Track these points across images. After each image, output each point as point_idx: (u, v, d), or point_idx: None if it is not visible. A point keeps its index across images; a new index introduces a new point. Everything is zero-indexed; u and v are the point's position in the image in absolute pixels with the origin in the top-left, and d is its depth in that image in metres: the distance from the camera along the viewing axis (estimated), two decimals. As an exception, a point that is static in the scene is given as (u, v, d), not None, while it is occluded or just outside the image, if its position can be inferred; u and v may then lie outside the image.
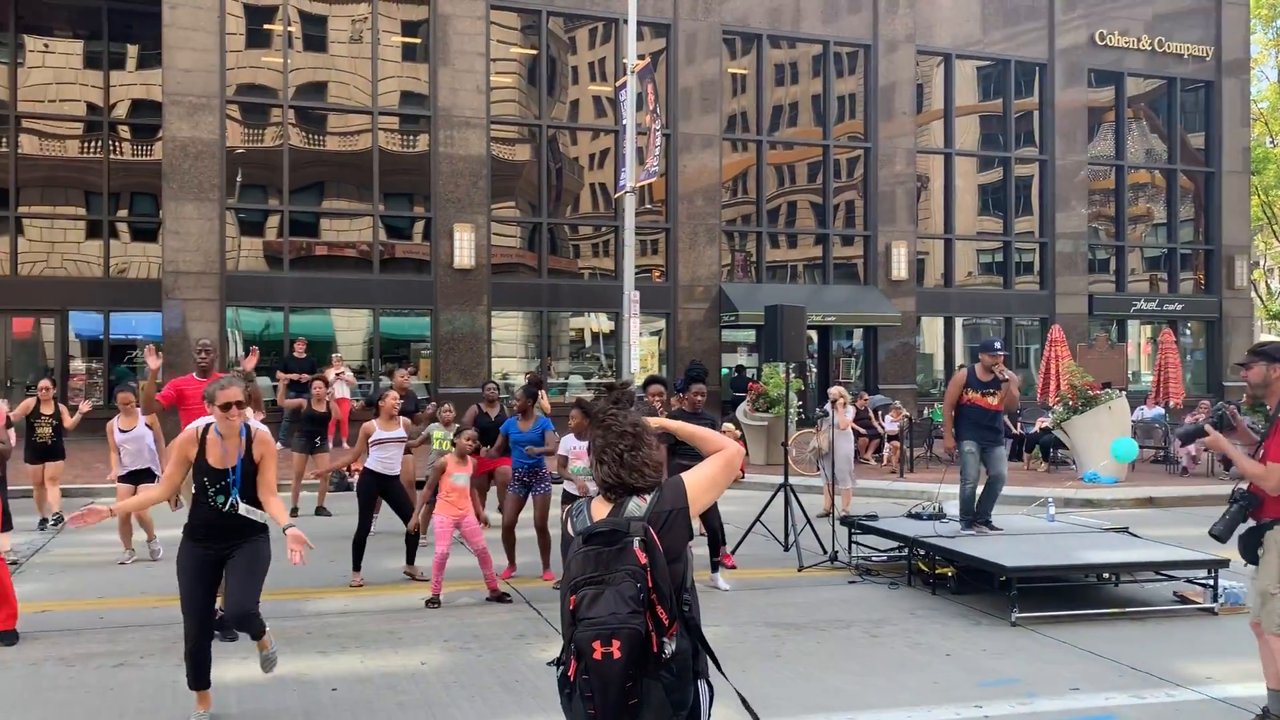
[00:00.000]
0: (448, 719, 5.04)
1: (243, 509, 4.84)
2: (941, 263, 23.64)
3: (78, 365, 19.89)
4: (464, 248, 19.31)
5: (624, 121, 15.43)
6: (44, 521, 10.40)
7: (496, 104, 20.14)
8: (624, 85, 15.35)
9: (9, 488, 9.51)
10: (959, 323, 23.96)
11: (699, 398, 8.43)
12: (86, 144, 19.89)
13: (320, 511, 11.54)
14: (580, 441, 7.85)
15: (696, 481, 2.94)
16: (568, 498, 7.86)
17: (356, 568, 8.08)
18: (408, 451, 8.78)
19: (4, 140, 19.39)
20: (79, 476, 12.98)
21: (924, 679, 5.80)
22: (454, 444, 7.93)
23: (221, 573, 4.97)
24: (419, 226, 20.21)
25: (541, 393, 9.09)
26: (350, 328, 20.29)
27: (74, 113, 19.80)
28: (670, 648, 2.68)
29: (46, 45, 19.67)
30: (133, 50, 20.10)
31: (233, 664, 5.77)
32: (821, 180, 22.35)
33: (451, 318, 19.45)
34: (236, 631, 5.08)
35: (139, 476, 8.78)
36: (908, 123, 22.52)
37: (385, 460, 8.33)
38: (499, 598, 7.54)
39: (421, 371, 20.09)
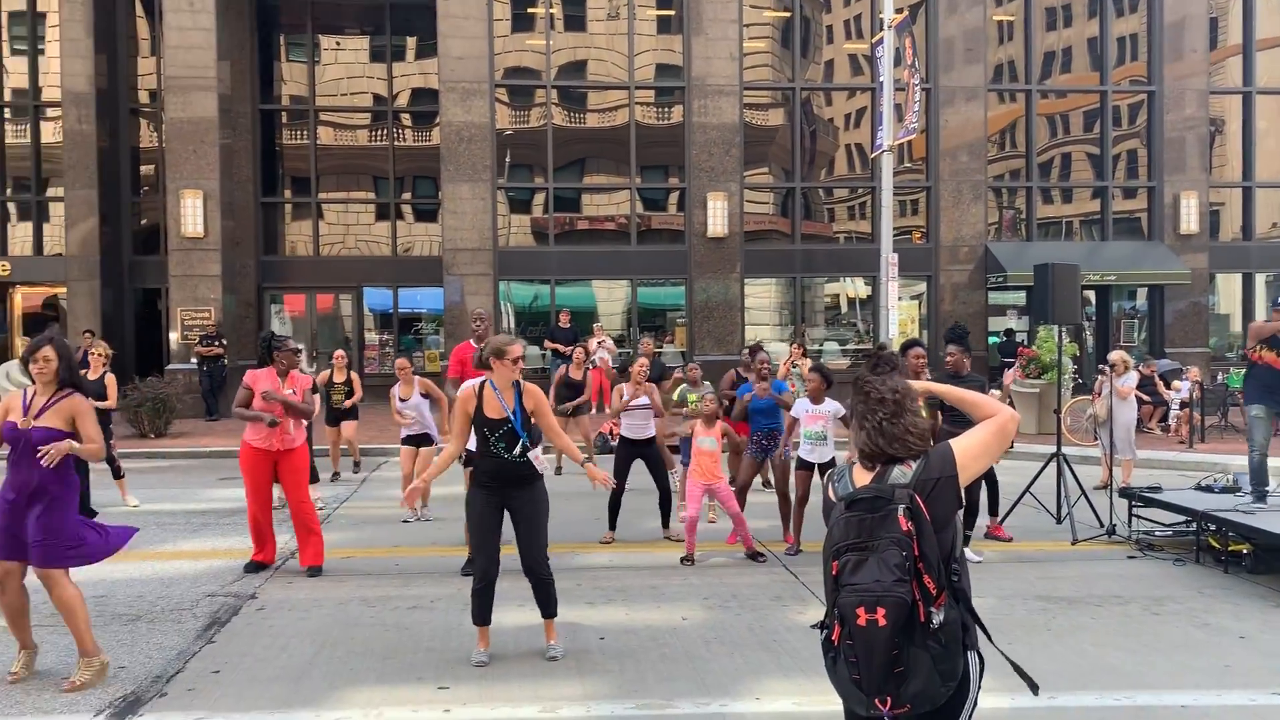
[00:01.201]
0: (708, 673, 5.18)
1: (531, 454, 5.27)
2: (1239, 214, 21.42)
3: (371, 337, 21.74)
4: (717, 216, 19.46)
5: (881, 79, 15.00)
6: (335, 475, 11.61)
7: (749, 70, 20.10)
8: (881, 41, 14.90)
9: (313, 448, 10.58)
10: (1260, 280, 21.66)
11: (918, 360, 7.98)
12: (374, 132, 21.59)
13: (556, 471, 12.08)
14: (814, 405, 7.79)
15: (967, 448, 2.84)
16: (801, 464, 7.84)
17: (611, 526, 8.43)
18: (658, 415, 8.99)
19: (305, 132, 21.40)
20: (374, 439, 14.24)
21: (1213, 661, 5.37)
22: (701, 409, 8.09)
23: (502, 515, 5.39)
24: (673, 197, 20.56)
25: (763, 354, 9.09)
26: (610, 298, 20.99)
27: (362, 104, 21.53)
28: (938, 618, 2.62)
29: (338, 43, 21.48)
30: (411, 42, 21.56)
31: (511, 610, 6.18)
32: (1099, 129, 20.78)
33: (705, 286, 19.70)
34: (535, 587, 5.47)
35: (418, 440, 9.54)
36: (1198, 61, 20.48)
37: (635, 426, 8.59)
38: (754, 556, 7.68)
39: (677, 339, 20.51)
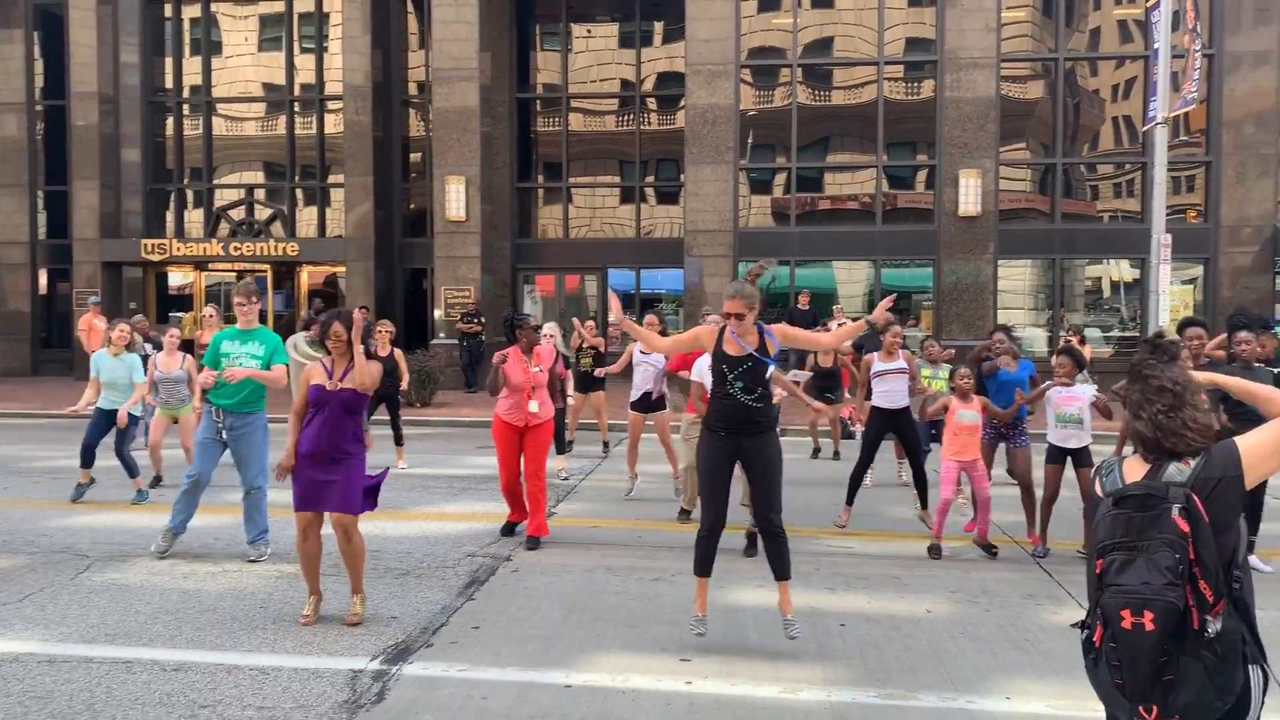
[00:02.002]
0: (954, 667, 5.04)
1: (792, 373, 5.29)
2: None
3: (613, 317, 22.36)
4: (969, 194, 18.65)
5: (1155, 45, 13.87)
6: (570, 444, 11.89)
7: (1007, 41, 19.11)
8: (1156, 5, 13.77)
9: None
10: None
11: (1196, 343, 7.25)
12: (621, 118, 22.15)
13: (837, 456, 11.91)
14: (1064, 387, 7.33)
15: (1253, 446, 2.59)
16: (1053, 454, 7.37)
17: (848, 502, 8.26)
18: (913, 379, 8.65)
19: (557, 119, 22.25)
20: (617, 415, 14.66)
21: None
22: (951, 386, 7.74)
23: (734, 465, 5.31)
24: (921, 175, 19.90)
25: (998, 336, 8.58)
26: (851, 279, 20.62)
27: (610, 90, 22.12)
28: (1214, 626, 2.43)
29: (589, 31, 22.14)
30: (659, 27, 21.92)
31: (751, 589, 6.25)
32: None
33: (955, 268, 18.95)
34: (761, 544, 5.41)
35: (646, 404, 9.49)
36: None
37: (889, 394, 8.28)
38: (987, 548, 7.36)
39: (923, 323, 19.88)
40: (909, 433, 8.31)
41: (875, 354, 8.50)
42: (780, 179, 20.45)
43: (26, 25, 23.25)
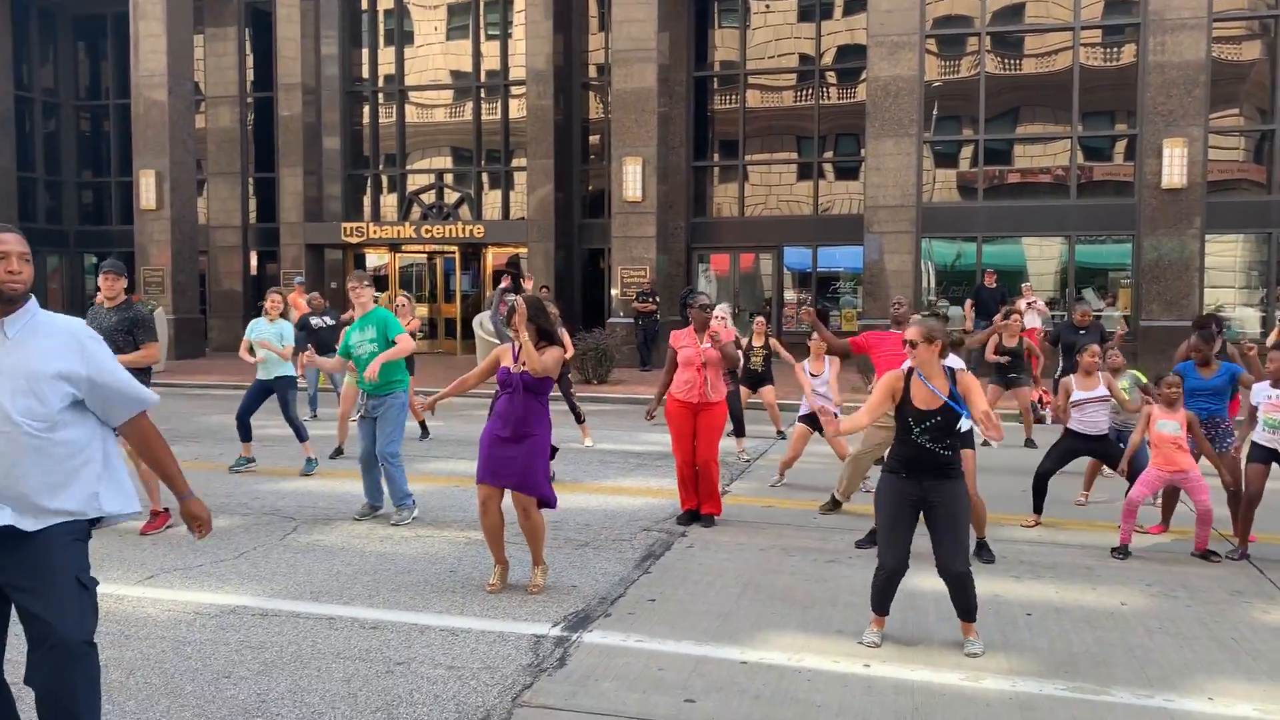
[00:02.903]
0: (1149, 663, 4.78)
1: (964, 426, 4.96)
2: None
3: (789, 296, 22.19)
4: (1174, 165, 17.46)
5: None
6: (780, 433, 11.85)
7: (1220, -2, 17.76)
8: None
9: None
10: None
11: None
12: (799, 93, 21.85)
13: (1028, 444, 11.43)
14: (1276, 389, 6.73)
15: None
16: (1257, 453, 6.76)
17: (1036, 509, 7.62)
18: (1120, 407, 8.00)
19: (734, 97, 22.15)
20: (787, 395, 14.55)
21: None
22: (1150, 393, 7.22)
23: (919, 512, 5.00)
24: (1120, 146, 18.79)
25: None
26: (1042, 256, 19.72)
27: (789, 65, 21.84)
28: None
29: (767, 6, 21.89)
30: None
31: (930, 575, 6.09)
32: None
33: (1156, 243, 17.80)
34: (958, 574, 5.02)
35: (815, 419, 8.95)
36: None
37: (1090, 424, 7.48)
38: (1206, 555, 6.73)
39: (1120, 301, 18.82)
40: (1112, 454, 7.52)
41: (1072, 378, 7.67)
42: (966, 152, 19.73)
43: (239, 23, 24.92)
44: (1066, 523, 7.74)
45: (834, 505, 8.03)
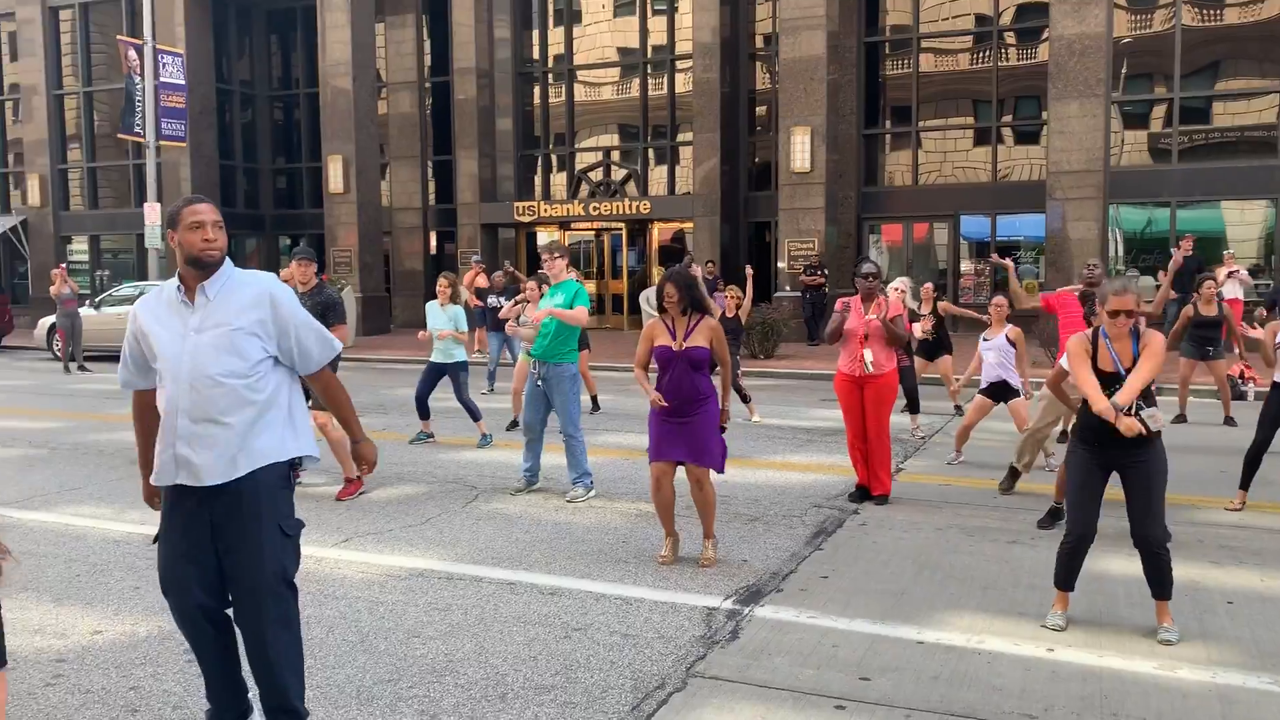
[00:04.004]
0: (1371, 662, 4.43)
1: (1144, 413, 4.70)
2: None
3: (966, 267, 21.44)
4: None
5: None
6: (958, 408, 11.49)
7: None
8: None
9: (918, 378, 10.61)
10: None
11: None
12: (975, 55, 21.00)
13: (1228, 422, 10.73)
14: None
15: None
16: None
17: (1244, 486, 7.15)
18: None
19: (907, 61, 21.49)
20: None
21: None
22: None
23: (1108, 475, 4.83)
24: (1339, 98, 17.23)
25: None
26: (1243, 221, 18.39)
27: (964, 27, 21.01)
28: None
29: (942, -33, 21.10)
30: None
31: (1120, 559, 5.83)
32: None
33: (1380, 204, 16.28)
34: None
35: (996, 389, 8.61)
36: None
37: None
38: None
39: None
40: None
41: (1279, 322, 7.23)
42: (1159, 111, 18.54)
43: (417, 10, 25.87)
44: (1272, 505, 7.23)
45: (1012, 478, 7.72)
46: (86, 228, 29.17)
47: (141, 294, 18.47)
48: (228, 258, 3.50)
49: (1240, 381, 12.06)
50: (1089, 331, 4.95)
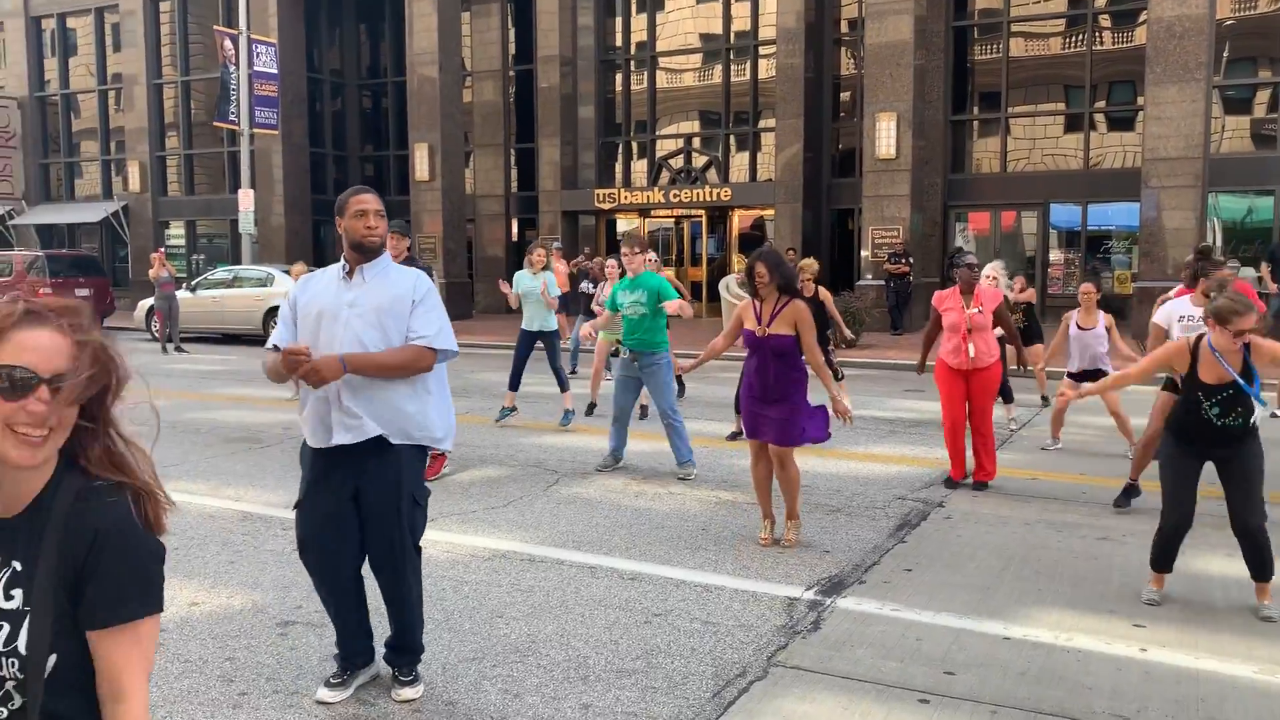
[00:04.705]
0: None
1: (1255, 415, 4.69)
2: None
3: (1055, 256, 20.90)
4: None
5: None
6: (1045, 400, 11.26)
7: None
8: None
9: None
10: None
11: None
12: (1068, 39, 20.41)
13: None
14: None
15: None
16: None
17: None
18: None
19: (996, 46, 20.99)
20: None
21: None
22: None
23: (1199, 470, 4.92)
24: None
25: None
26: (1353, 210, 17.56)
27: (1057, 10, 20.42)
28: None
29: (1035, -52, 20.53)
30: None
31: (1219, 558, 5.65)
32: None
33: None
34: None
35: (1087, 376, 8.40)
36: None
37: None
38: None
39: None
40: None
41: None
42: (1263, 96, 17.82)
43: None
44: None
45: (1128, 494, 6.96)
46: (183, 213, 30.12)
47: (235, 278, 18.83)
48: (386, 250, 3.94)
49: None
50: (1193, 339, 4.84)
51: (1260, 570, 4.82)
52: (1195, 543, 5.92)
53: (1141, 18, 18.37)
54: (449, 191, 23.94)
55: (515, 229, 27.12)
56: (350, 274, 3.85)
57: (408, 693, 3.96)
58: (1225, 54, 17.94)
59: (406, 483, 3.85)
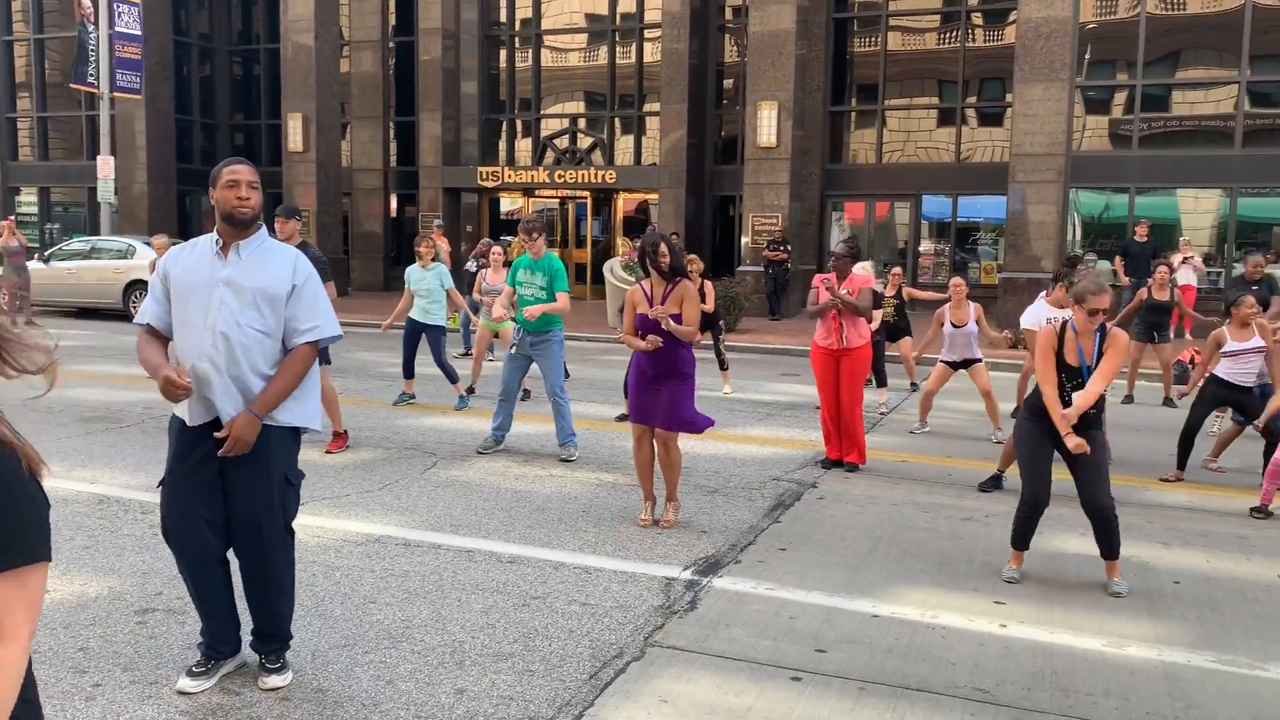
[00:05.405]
0: (1311, 642, 4.55)
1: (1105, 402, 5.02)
2: None
3: (926, 246, 21.58)
4: (1356, 113, 16.17)
5: None
6: (914, 385, 11.61)
7: None
8: None
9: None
10: None
11: None
12: (943, 35, 21.03)
13: (1166, 403, 11.03)
14: None
15: None
16: None
17: (1180, 465, 7.56)
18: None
19: (875, 39, 21.48)
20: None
21: None
22: None
23: (1053, 451, 5.19)
24: (1296, 91, 17.49)
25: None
26: (1198, 209, 18.65)
27: (933, 6, 21.02)
28: None
29: (913, -55, 21.04)
30: (990, -64, 20.47)
31: (1073, 538, 5.93)
32: None
33: (1332, 197, 16.60)
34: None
35: (962, 365, 9.05)
36: None
37: (1239, 374, 7.43)
38: (1258, 511, 6.61)
39: (1286, 259, 17.63)
40: (1251, 408, 7.39)
41: (1225, 328, 7.42)
42: (1120, 98, 18.71)
43: (382, -31, 25.38)
44: (1221, 488, 7.39)
45: (995, 482, 7.23)
46: (36, 179, 28.45)
47: (93, 249, 17.86)
48: (263, 224, 3.78)
49: (1190, 367, 12.27)
50: (1059, 324, 5.14)
51: (1109, 548, 5.11)
52: (1051, 523, 6.21)
53: (1011, 18, 19.07)
54: (324, 164, 23.24)
55: (395, 204, 26.53)
56: (225, 249, 3.69)
57: (275, 680, 3.83)
58: (1087, 56, 18.78)
59: (278, 460, 3.75)
